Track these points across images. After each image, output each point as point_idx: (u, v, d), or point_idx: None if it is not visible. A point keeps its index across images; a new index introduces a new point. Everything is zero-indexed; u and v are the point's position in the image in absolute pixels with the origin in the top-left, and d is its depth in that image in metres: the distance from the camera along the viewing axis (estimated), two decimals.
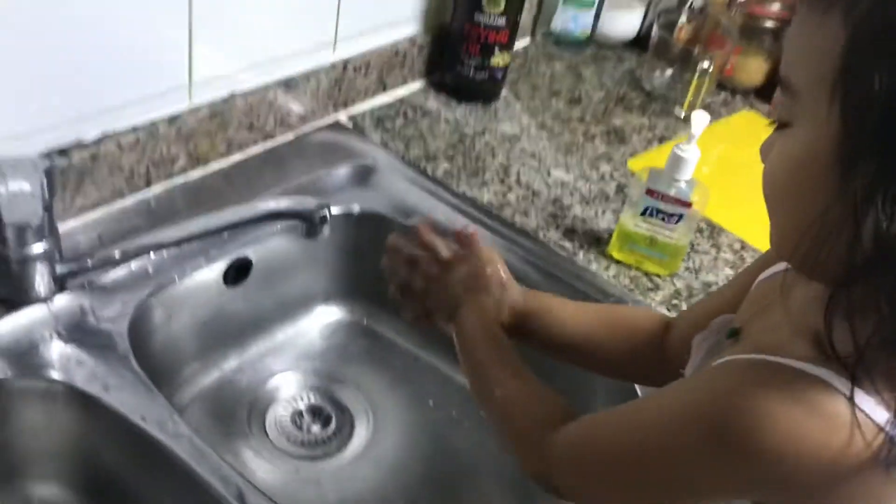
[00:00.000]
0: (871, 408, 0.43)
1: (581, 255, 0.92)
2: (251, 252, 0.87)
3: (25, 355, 0.69)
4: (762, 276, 0.58)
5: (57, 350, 0.70)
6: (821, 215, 0.42)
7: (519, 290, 0.70)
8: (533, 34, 1.36)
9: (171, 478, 0.65)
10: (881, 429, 0.43)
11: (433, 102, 1.13)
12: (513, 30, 1.10)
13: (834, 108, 0.40)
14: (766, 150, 0.48)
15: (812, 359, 0.45)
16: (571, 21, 1.31)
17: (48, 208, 0.68)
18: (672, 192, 0.85)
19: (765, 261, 0.59)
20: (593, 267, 0.90)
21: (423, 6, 1.12)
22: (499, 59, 1.11)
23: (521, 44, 1.34)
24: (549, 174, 1.04)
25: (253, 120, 0.94)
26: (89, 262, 0.73)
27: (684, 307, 0.87)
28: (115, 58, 0.78)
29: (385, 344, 0.98)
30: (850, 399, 0.43)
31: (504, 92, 1.19)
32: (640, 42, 1.38)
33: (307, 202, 0.70)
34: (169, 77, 0.85)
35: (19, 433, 0.69)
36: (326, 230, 0.72)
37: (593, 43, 1.37)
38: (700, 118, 0.81)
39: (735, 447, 0.45)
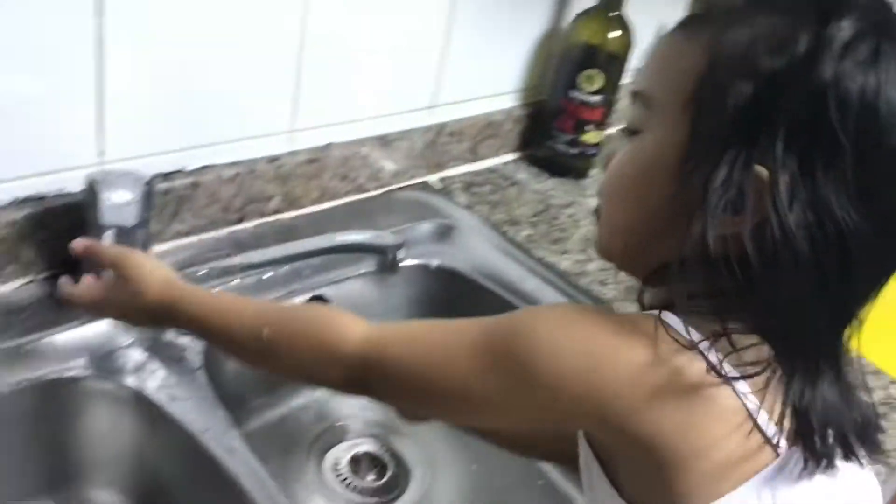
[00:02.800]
0: (682, 328, 0.45)
1: None
2: (330, 291, 0.89)
3: (104, 359, 0.72)
4: None
5: (133, 358, 0.73)
6: (656, 212, 0.48)
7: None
8: None
9: (222, 493, 0.65)
10: (695, 347, 0.44)
11: (523, 174, 1.15)
12: (608, 108, 1.12)
13: (685, 119, 0.47)
14: (609, 158, 0.54)
15: None
16: None
17: (145, 223, 0.73)
18: None
19: None
20: None
21: (523, 82, 1.16)
22: (591, 137, 1.13)
23: (617, 128, 1.36)
24: None
25: (347, 171, 0.98)
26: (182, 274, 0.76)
27: None
28: (224, 98, 0.84)
29: None
30: (659, 319, 0.45)
31: (596, 169, 1.20)
32: None
33: (384, 237, 0.72)
34: (273, 120, 0.90)
35: (84, 435, 0.72)
36: (399, 268, 0.74)
37: None
38: None
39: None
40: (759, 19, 0.45)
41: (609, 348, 0.46)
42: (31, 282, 0.76)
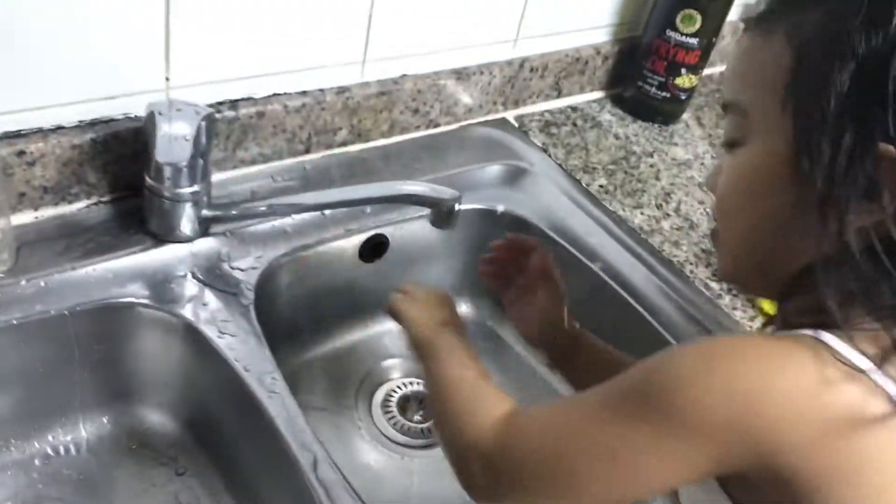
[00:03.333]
0: (850, 354, 0.41)
1: (727, 299, 0.85)
2: (390, 231, 0.88)
3: (159, 286, 0.73)
4: None
5: (188, 288, 0.74)
6: (780, 222, 0.45)
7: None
8: None
9: (259, 431, 0.66)
10: (862, 371, 0.40)
11: (607, 115, 1.09)
12: (705, 52, 1.04)
13: (786, 118, 0.44)
14: (713, 179, 0.51)
15: None
16: None
17: (203, 155, 0.72)
18: None
19: None
20: (737, 315, 0.83)
21: (616, 17, 1.09)
22: (684, 80, 1.06)
23: (718, 69, 1.27)
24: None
25: (419, 105, 0.95)
26: (234, 211, 0.76)
27: None
28: (294, 26, 0.81)
29: (505, 350, 0.96)
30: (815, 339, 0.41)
31: (686, 115, 1.13)
32: None
33: (442, 191, 0.70)
34: (344, 51, 0.87)
35: (137, 358, 0.74)
36: (454, 222, 0.71)
37: None
38: None
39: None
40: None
41: (765, 378, 0.41)
42: (96, 203, 0.77)
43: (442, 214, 0.70)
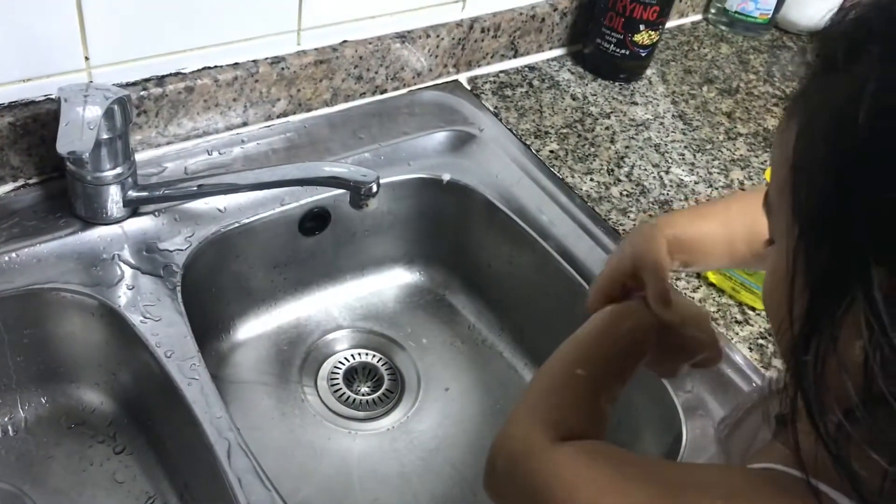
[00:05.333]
0: None
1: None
2: (331, 203, 0.86)
3: (85, 271, 0.73)
4: None
5: (114, 271, 0.73)
6: (778, 332, 0.40)
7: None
8: (706, 9, 1.23)
9: (180, 416, 0.67)
10: None
11: (566, 74, 1.06)
12: (664, 7, 1.00)
13: (794, 221, 0.36)
14: None
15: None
16: (751, 1, 1.17)
17: (122, 136, 0.71)
18: None
19: None
20: (680, 285, 0.82)
21: None
22: (643, 37, 1.02)
23: (688, 19, 1.22)
24: (667, 172, 0.94)
25: (363, 71, 0.93)
26: (161, 191, 0.76)
27: (770, 349, 0.77)
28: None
29: (458, 320, 0.96)
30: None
31: (650, 71, 1.09)
32: None
33: (362, 172, 0.68)
34: (277, 21, 0.84)
35: (66, 341, 0.74)
36: (373, 203, 0.70)
37: (774, 29, 1.22)
38: None
39: None
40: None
41: None
42: (24, 186, 0.77)
43: (359, 196, 0.68)
